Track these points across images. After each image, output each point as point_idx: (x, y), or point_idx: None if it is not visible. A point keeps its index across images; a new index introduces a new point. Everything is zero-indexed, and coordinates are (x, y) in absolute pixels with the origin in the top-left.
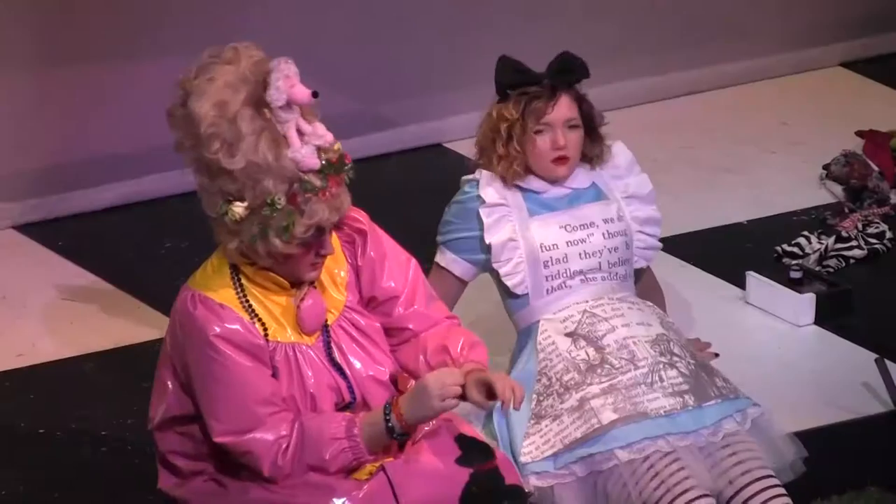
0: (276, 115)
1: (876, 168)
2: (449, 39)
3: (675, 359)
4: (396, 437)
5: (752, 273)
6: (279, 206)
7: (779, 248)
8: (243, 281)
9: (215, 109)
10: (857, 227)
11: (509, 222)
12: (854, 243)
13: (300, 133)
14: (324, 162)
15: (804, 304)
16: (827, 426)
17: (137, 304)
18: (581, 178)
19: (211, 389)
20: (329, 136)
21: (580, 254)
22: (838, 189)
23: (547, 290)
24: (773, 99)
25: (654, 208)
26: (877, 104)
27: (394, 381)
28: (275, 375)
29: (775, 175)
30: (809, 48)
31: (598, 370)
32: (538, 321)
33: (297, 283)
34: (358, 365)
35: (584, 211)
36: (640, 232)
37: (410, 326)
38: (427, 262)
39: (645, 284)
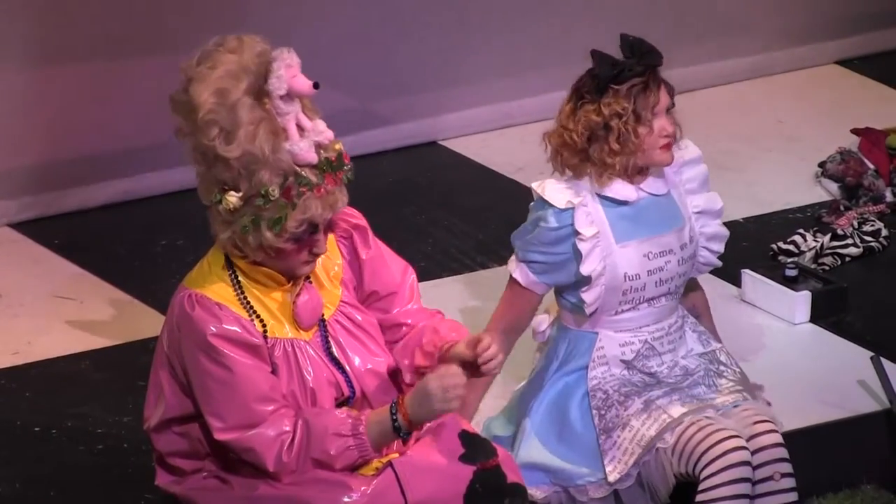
0: (276, 107)
1: (871, 166)
2: (444, 36)
3: (723, 368)
4: (402, 436)
5: (747, 271)
6: (272, 198)
7: (774, 246)
8: (240, 278)
9: (215, 97)
10: (852, 225)
11: (600, 249)
12: (849, 241)
13: (300, 128)
14: (322, 159)
15: (800, 301)
16: (822, 424)
17: (133, 302)
18: (658, 183)
19: (211, 389)
20: (329, 134)
21: (657, 281)
22: (834, 187)
23: (616, 312)
24: (769, 97)
25: (720, 223)
26: (872, 102)
27: (390, 375)
28: (274, 372)
29: (771, 173)
30: (805, 45)
31: (656, 386)
32: (597, 332)
33: (291, 278)
34: (356, 359)
35: (665, 238)
36: (705, 248)
37: (408, 321)
38: (422, 259)
39: (690, 288)
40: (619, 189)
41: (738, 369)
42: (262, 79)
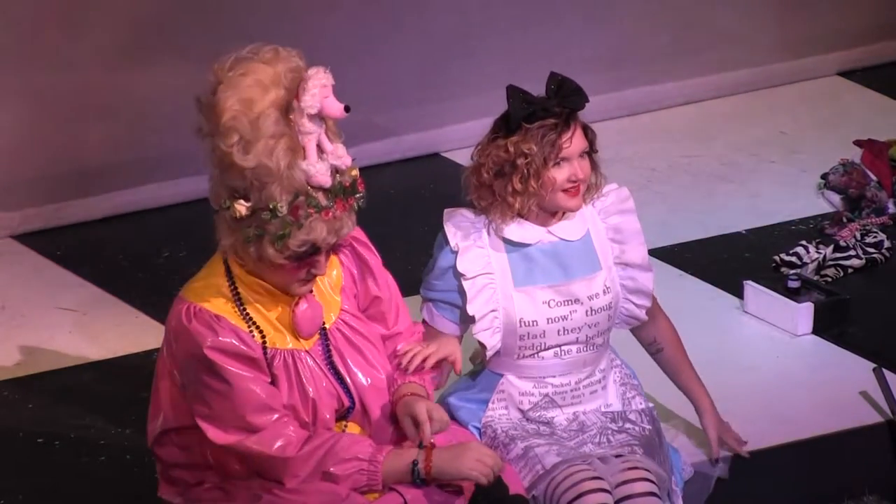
0: (301, 125)
1: (874, 177)
2: (447, 48)
3: (628, 425)
4: (415, 476)
5: (749, 282)
6: (279, 215)
7: (777, 258)
8: (240, 288)
9: (240, 105)
10: (855, 237)
11: (491, 291)
12: (852, 252)
13: (320, 150)
14: (336, 183)
15: (802, 313)
16: (825, 435)
17: (136, 314)
18: (573, 227)
19: (209, 399)
20: (347, 159)
21: (559, 330)
22: (836, 198)
23: (518, 356)
24: (772, 108)
25: (649, 276)
26: (875, 113)
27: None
28: (273, 383)
29: (773, 184)
30: (807, 57)
31: (548, 436)
32: (502, 375)
33: (286, 294)
34: (356, 369)
35: (570, 287)
36: (627, 300)
37: (402, 331)
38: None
39: (655, 326)
40: (516, 231)
41: (647, 428)
42: (292, 94)
